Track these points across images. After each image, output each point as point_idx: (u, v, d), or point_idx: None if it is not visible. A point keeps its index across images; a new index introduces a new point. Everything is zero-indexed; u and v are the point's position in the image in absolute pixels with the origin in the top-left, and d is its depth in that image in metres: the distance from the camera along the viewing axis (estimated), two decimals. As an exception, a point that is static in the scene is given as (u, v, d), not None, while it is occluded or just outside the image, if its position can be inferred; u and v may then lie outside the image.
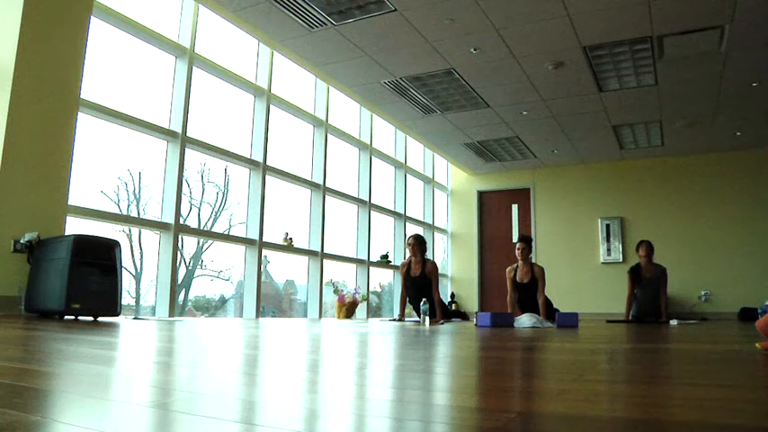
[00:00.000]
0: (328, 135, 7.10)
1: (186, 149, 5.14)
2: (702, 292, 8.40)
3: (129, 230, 5.73)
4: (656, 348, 2.25)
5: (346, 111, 7.67)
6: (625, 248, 8.89)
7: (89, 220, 4.36)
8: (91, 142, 4.52)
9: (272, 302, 7.41)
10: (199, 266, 6.72)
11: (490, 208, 10.12)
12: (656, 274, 6.10)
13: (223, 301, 7.01)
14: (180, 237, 5.14)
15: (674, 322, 5.39)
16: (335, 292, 6.85)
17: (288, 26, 5.05)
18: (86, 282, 3.46)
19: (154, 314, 4.99)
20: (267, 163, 6.08)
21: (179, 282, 5.32)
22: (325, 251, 6.89)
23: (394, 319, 5.77)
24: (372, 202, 8.01)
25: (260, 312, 5.84)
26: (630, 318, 6.14)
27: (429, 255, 6.50)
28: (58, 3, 3.89)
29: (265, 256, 6.45)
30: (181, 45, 5.16)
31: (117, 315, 3.71)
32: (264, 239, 5.97)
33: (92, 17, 4.15)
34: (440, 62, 5.72)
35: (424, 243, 5.78)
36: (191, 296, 6.82)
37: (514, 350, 2.11)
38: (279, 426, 0.69)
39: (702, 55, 5.41)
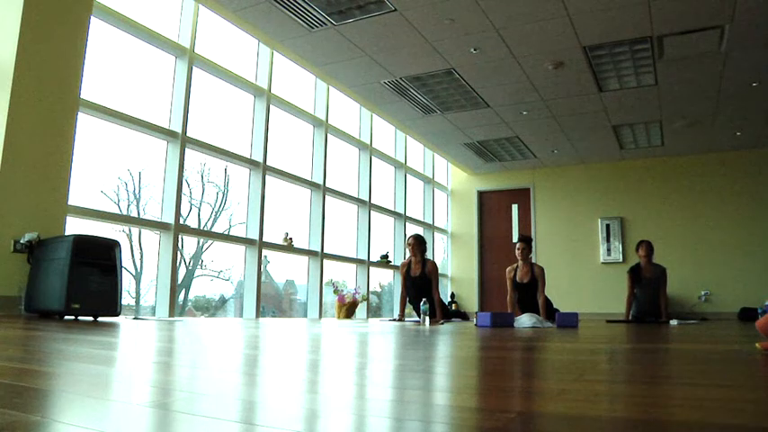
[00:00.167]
0: (328, 135, 7.10)
1: (186, 149, 5.14)
2: (702, 292, 8.41)
3: (129, 230, 5.73)
4: (656, 348, 2.25)
5: (346, 111, 7.68)
6: (625, 248, 8.89)
7: (89, 220, 4.36)
8: (91, 142, 4.52)
9: (272, 302, 7.41)
10: (199, 266, 6.72)
11: (490, 208, 10.12)
12: (655, 274, 6.10)
13: (223, 301, 7.01)
14: (180, 237, 5.14)
15: (674, 322, 5.39)
16: (335, 292, 6.85)
17: (288, 26, 5.05)
18: (86, 282, 3.47)
19: (154, 314, 4.99)
20: (267, 163, 6.08)
21: (179, 282, 5.32)
22: (325, 251, 6.89)
23: (394, 319, 5.77)
24: (372, 202, 8.01)
25: (260, 312, 5.84)
26: (630, 318, 6.14)
27: (429, 255, 6.50)
28: (58, 3, 3.89)
29: (265, 256, 6.45)
30: (181, 45, 5.16)
31: (117, 315, 3.71)
32: (264, 239, 5.97)
33: (92, 17, 4.15)
34: (440, 62, 5.72)
35: (424, 243, 5.78)
36: (191, 296, 6.82)
37: (514, 350, 2.11)
38: (279, 426, 0.69)
39: (702, 55, 5.41)
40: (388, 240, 8.72)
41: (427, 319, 4.85)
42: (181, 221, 5.08)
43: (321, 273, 6.80)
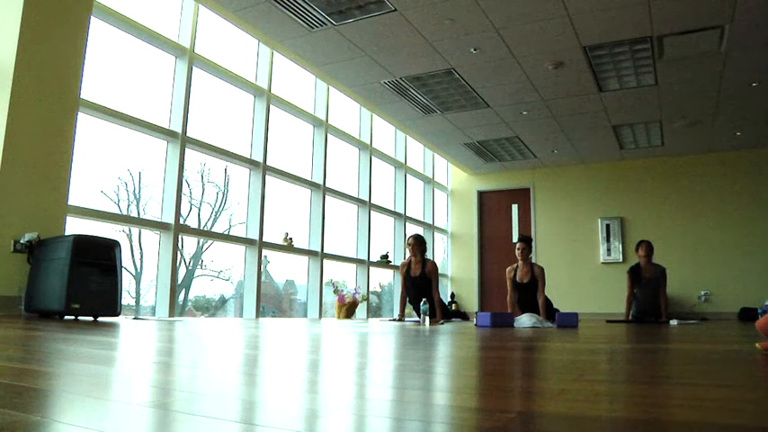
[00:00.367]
0: (328, 135, 7.10)
1: (186, 149, 5.14)
2: (702, 292, 8.41)
3: (129, 230, 5.73)
4: (656, 348, 2.25)
5: (346, 111, 7.68)
6: (625, 248, 8.89)
7: (89, 220, 4.36)
8: (91, 142, 4.52)
9: (272, 302, 7.41)
10: (199, 266, 6.72)
11: (490, 208, 10.12)
12: (655, 274, 6.10)
13: (223, 301, 7.01)
14: (180, 237, 5.14)
15: (673, 322, 5.39)
16: (335, 292, 6.85)
17: (288, 26, 5.05)
18: (86, 282, 3.47)
19: (154, 314, 4.99)
20: (267, 163, 6.08)
21: (179, 282, 5.32)
22: (325, 251, 6.89)
23: (394, 319, 5.77)
24: (372, 202, 8.01)
25: (260, 312, 5.84)
26: (630, 318, 6.14)
27: (429, 255, 6.50)
28: (58, 3, 3.89)
29: (265, 256, 6.45)
30: (181, 45, 5.16)
31: (117, 315, 3.71)
32: (264, 239, 5.97)
33: (92, 17, 4.15)
34: (440, 62, 5.72)
35: (424, 243, 5.78)
36: (191, 296, 6.82)
37: (514, 350, 2.11)
38: (279, 426, 0.69)
39: (702, 55, 5.41)
40: (388, 240, 8.73)
41: (427, 319, 4.85)
42: (181, 221, 5.08)
43: (321, 273, 6.80)
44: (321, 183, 6.94)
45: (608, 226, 9.14)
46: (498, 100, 6.70)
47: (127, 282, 5.82)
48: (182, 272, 6.14)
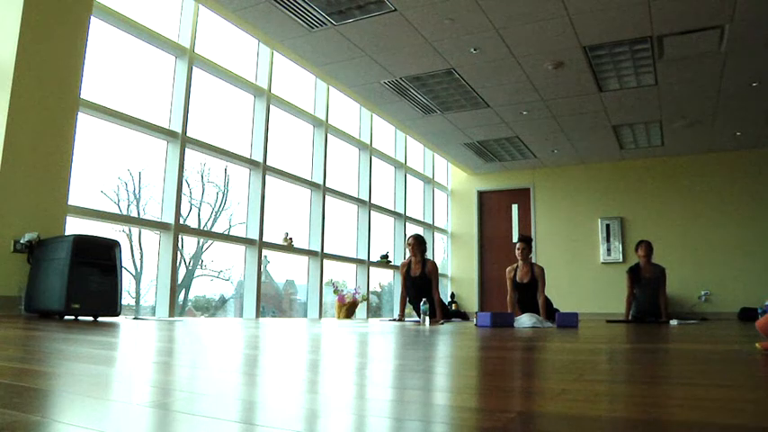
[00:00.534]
0: (328, 135, 7.10)
1: (186, 149, 5.14)
2: (702, 292, 8.41)
3: (129, 230, 5.73)
4: (656, 348, 2.25)
5: (346, 111, 7.68)
6: (625, 248, 8.89)
7: (89, 220, 4.36)
8: (91, 142, 4.52)
9: (272, 302, 7.41)
10: (199, 266, 6.72)
11: (490, 208, 10.12)
12: (655, 274, 6.10)
13: (223, 301, 7.01)
14: (180, 237, 5.14)
15: (673, 322, 5.39)
16: (335, 292, 6.85)
17: (288, 26, 5.05)
18: (86, 282, 3.46)
19: (154, 314, 4.99)
20: (267, 163, 6.08)
21: (179, 282, 5.32)
22: (325, 251, 6.89)
23: (394, 319, 5.77)
24: (372, 202, 8.01)
25: (260, 312, 5.84)
26: (630, 318, 6.14)
27: (429, 255, 6.50)
28: (58, 3, 3.89)
29: (265, 256, 6.45)
30: (181, 45, 5.16)
31: (117, 315, 3.71)
32: (264, 239, 5.97)
33: (92, 17, 4.15)
34: (440, 62, 5.72)
35: (424, 243, 5.78)
36: (191, 296, 6.82)
37: (514, 350, 2.11)
38: (279, 426, 0.69)
39: (702, 55, 5.41)
40: (388, 240, 8.73)
41: (427, 319, 4.85)
42: (181, 221, 5.08)
43: (321, 273, 6.80)
44: (321, 183, 6.94)
45: (608, 226, 9.14)
46: (498, 100, 6.70)
47: (127, 282, 5.82)
48: (182, 272, 6.14)
